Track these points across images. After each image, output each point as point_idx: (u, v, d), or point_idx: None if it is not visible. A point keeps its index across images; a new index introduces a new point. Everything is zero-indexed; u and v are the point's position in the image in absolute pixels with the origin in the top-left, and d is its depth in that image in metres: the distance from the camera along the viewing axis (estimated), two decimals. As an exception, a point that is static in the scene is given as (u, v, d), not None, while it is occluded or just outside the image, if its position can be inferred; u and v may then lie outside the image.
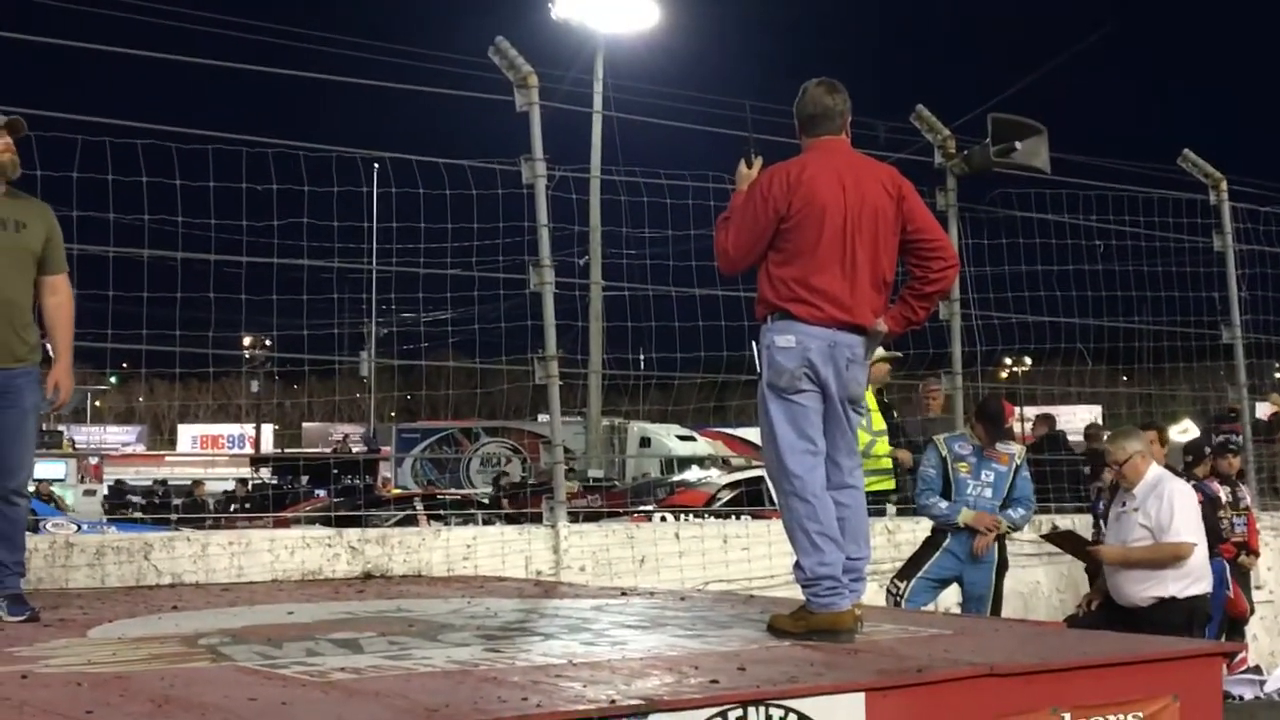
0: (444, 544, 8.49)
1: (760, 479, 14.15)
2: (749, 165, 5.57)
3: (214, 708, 3.72)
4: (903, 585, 8.53)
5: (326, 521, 10.30)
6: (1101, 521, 9.16)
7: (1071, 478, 11.51)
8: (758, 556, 9.11)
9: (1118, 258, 11.78)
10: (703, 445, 30.78)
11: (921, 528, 9.03)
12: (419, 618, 5.97)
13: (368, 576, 8.13)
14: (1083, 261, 11.47)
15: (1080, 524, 10.22)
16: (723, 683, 4.11)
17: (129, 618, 6.06)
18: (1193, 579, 8.01)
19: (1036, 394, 16.93)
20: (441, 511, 15.57)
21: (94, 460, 38.83)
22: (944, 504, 8.59)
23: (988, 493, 8.60)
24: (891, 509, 10.15)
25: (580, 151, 27.99)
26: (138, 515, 24.15)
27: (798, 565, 5.32)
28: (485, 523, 11.85)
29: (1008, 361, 16.89)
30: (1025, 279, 11.22)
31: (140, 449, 56.47)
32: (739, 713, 3.89)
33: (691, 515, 13.54)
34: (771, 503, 9.05)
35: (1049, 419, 14.62)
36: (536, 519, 9.17)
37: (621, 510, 13.52)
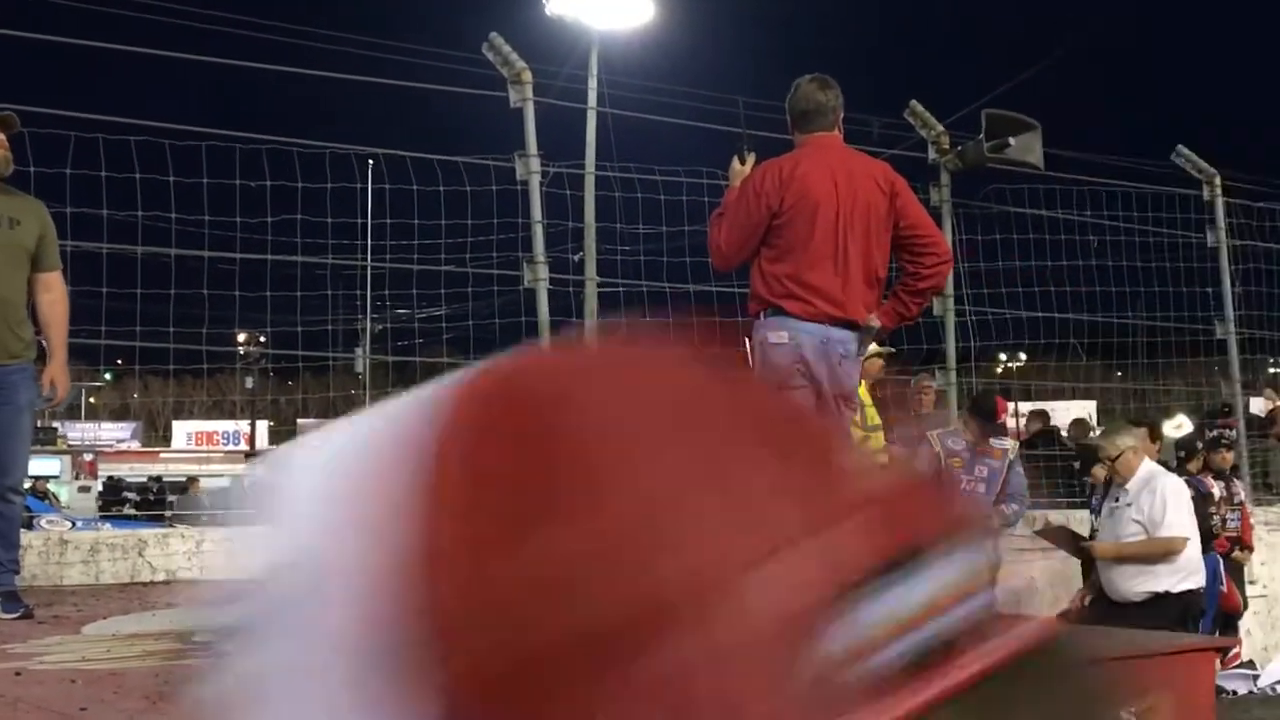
0: (438, 540, 8.47)
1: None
2: (742, 161, 5.58)
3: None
4: (896, 581, 8.53)
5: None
6: (1095, 517, 9.17)
7: (1065, 473, 11.52)
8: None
9: (1111, 253, 11.80)
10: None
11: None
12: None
13: (362, 572, 8.11)
14: (1076, 257, 11.49)
15: (1074, 520, 10.23)
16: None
17: (123, 614, 6.06)
18: (1186, 574, 8.02)
19: (1030, 390, 16.96)
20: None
21: (89, 457, 38.79)
22: (938, 500, 8.58)
23: (981, 488, 8.60)
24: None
25: (575, 147, 27.93)
26: (131, 512, 24.13)
27: (791, 561, 5.32)
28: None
29: (1002, 357, 16.91)
30: (1019, 275, 11.24)
31: (135, 445, 56.37)
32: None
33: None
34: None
35: (1043, 415, 14.65)
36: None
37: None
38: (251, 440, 51.45)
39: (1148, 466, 8.21)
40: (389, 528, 1.93)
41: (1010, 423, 14.83)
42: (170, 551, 7.80)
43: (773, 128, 5.83)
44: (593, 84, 31.75)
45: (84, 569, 7.57)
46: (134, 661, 4.61)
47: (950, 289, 10.40)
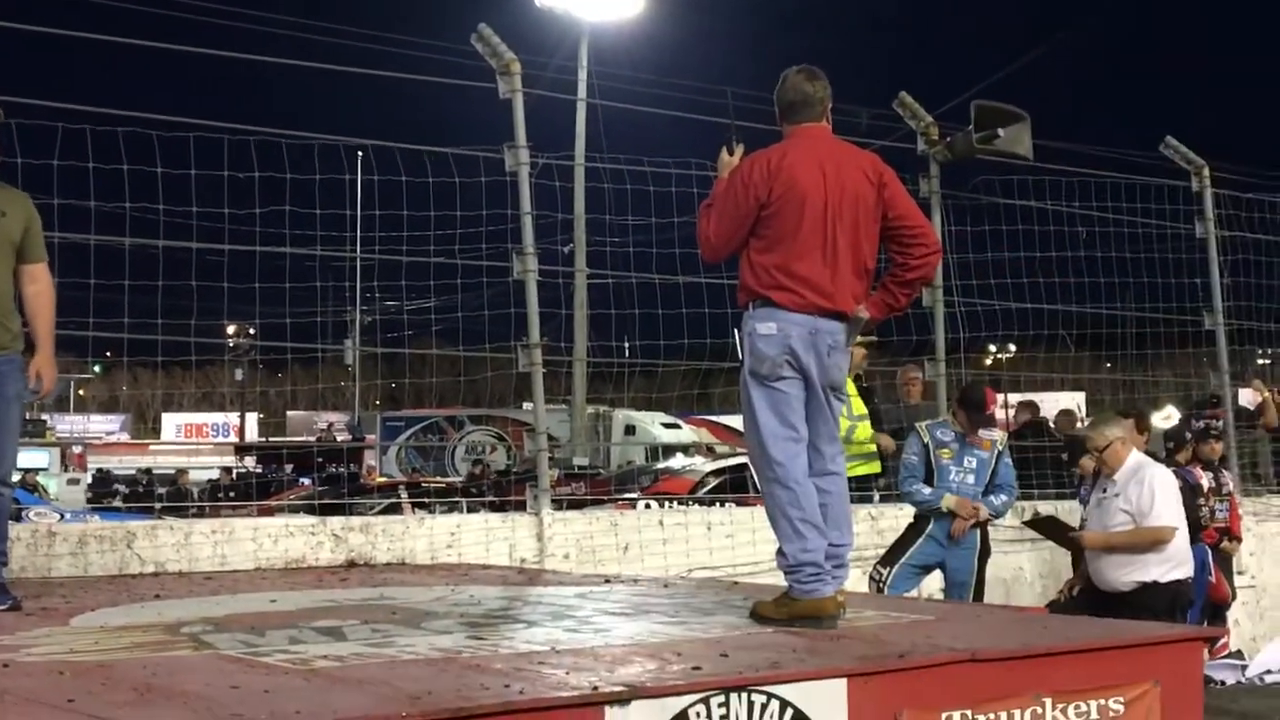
0: (428, 532, 8.49)
1: (744, 466, 14.15)
2: (731, 152, 5.56)
3: (196, 696, 3.72)
4: (885, 572, 8.56)
5: (310, 510, 10.29)
6: (1084, 507, 9.19)
7: (1054, 464, 11.54)
8: (741, 544, 9.12)
9: (1100, 244, 11.81)
10: (688, 433, 30.80)
11: (905, 514, 9.06)
12: (402, 605, 5.98)
13: (351, 564, 8.12)
14: (1065, 248, 11.50)
15: (1062, 510, 10.26)
16: (705, 669, 4.13)
17: (111, 606, 6.05)
18: (1174, 564, 8.05)
19: (1020, 380, 16.97)
20: (426, 500, 15.56)
21: (78, 449, 38.72)
22: (927, 490, 8.61)
23: (970, 479, 8.63)
24: (876, 494, 10.18)
25: (565, 139, 27.94)
26: (119, 504, 24.08)
27: (780, 552, 5.34)
28: (470, 510, 11.85)
29: (991, 348, 16.92)
30: (1008, 266, 11.24)
31: (124, 438, 56.31)
32: (721, 699, 3.91)
33: (676, 503, 13.56)
34: (755, 490, 9.06)
35: (1032, 406, 14.62)
36: (521, 507, 9.17)
37: (606, 498, 13.53)
38: (241, 432, 51.44)
39: (1136, 457, 8.23)
40: None
41: (1000, 414, 14.83)
42: (159, 544, 7.79)
43: (762, 119, 5.83)
44: (583, 75, 31.78)
45: (72, 561, 7.57)
46: (122, 653, 4.61)
47: (939, 280, 10.41)
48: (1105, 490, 8.24)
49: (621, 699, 3.73)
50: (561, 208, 9.83)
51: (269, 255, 8.90)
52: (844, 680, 4.15)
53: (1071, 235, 11.57)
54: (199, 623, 5.36)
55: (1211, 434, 10.97)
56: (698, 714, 3.86)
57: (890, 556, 8.67)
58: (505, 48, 8.88)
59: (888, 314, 5.59)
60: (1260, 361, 17.19)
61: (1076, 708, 4.57)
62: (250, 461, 34.05)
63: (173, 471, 33.11)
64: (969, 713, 4.36)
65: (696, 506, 11.80)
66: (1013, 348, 16.17)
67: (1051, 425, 14.17)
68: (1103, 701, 4.62)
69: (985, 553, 8.69)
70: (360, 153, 9.26)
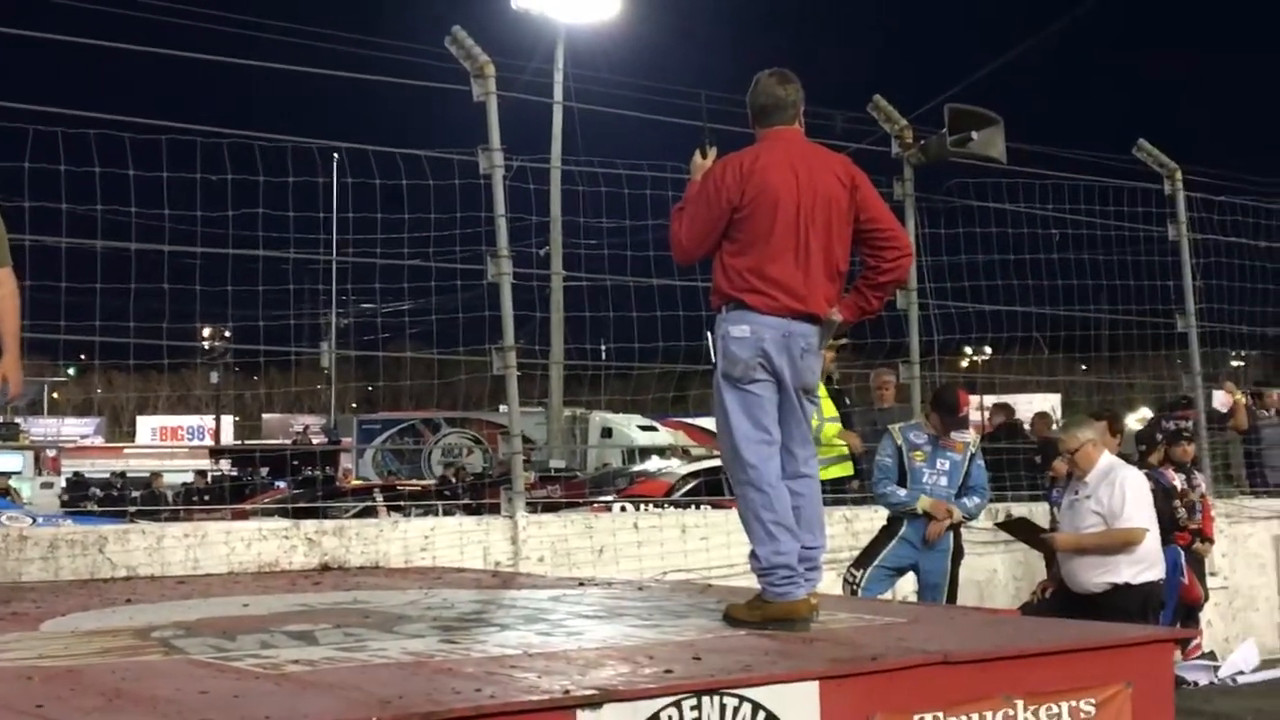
0: (402, 535, 8.47)
1: (720, 469, 14.15)
2: (704, 155, 5.57)
3: (165, 701, 3.70)
4: (859, 574, 8.57)
5: (285, 513, 10.26)
6: (1056, 509, 9.23)
7: (1028, 466, 11.58)
8: (716, 546, 9.13)
9: (1074, 247, 11.87)
10: (664, 435, 30.79)
11: (880, 516, 9.07)
12: (375, 609, 5.96)
13: (325, 568, 8.09)
14: (1039, 251, 11.55)
15: (1033, 512, 10.29)
16: (677, 672, 4.12)
17: (82, 611, 6.01)
18: (1146, 565, 8.08)
19: (995, 383, 17.01)
20: (402, 503, 15.52)
21: (52, 453, 38.52)
22: (902, 492, 8.63)
23: (943, 481, 8.65)
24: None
25: (542, 142, 27.95)
26: (94, 508, 23.98)
27: (753, 554, 5.34)
28: (446, 513, 11.83)
29: (968, 351, 16.97)
30: (982, 268, 11.29)
31: (99, 441, 56.04)
32: (693, 702, 3.90)
33: (651, 505, 13.55)
34: (731, 492, 9.08)
35: (1007, 408, 14.69)
36: (496, 510, 9.16)
37: (581, 501, 13.52)
38: (217, 435, 51.27)
39: (1107, 459, 8.26)
40: None
41: (976, 416, 14.88)
42: (131, 548, 7.75)
43: (737, 122, 5.83)
44: (559, 78, 31.74)
45: (43, 565, 7.52)
46: (93, 658, 4.58)
47: (913, 283, 10.46)
48: (1077, 492, 8.27)
49: (593, 702, 3.72)
50: (536, 210, 9.81)
51: (244, 258, 8.87)
52: (816, 683, 4.15)
53: (1045, 238, 11.63)
54: (170, 627, 5.34)
55: (1183, 436, 11.02)
56: (669, 717, 3.85)
57: (864, 559, 8.68)
58: (479, 50, 8.87)
59: (860, 316, 5.60)
60: (1234, 364, 17.27)
61: (1048, 709, 4.57)
62: (226, 465, 33.92)
63: (147, 475, 32.96)
64: (941, 715, 4.36)
65: (671, 509, 11.80)
66: (989, 350, 16.22)
67: (1027, 428, 14.24)
68: (1074, 703, 4.63)
69: (958, 555, 8.71)
70: (336, 155, 9.24)
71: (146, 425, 61.67)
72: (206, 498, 23.94)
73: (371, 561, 8.27)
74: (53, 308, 7.97)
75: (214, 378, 43.82)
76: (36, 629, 5.44)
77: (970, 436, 8.92)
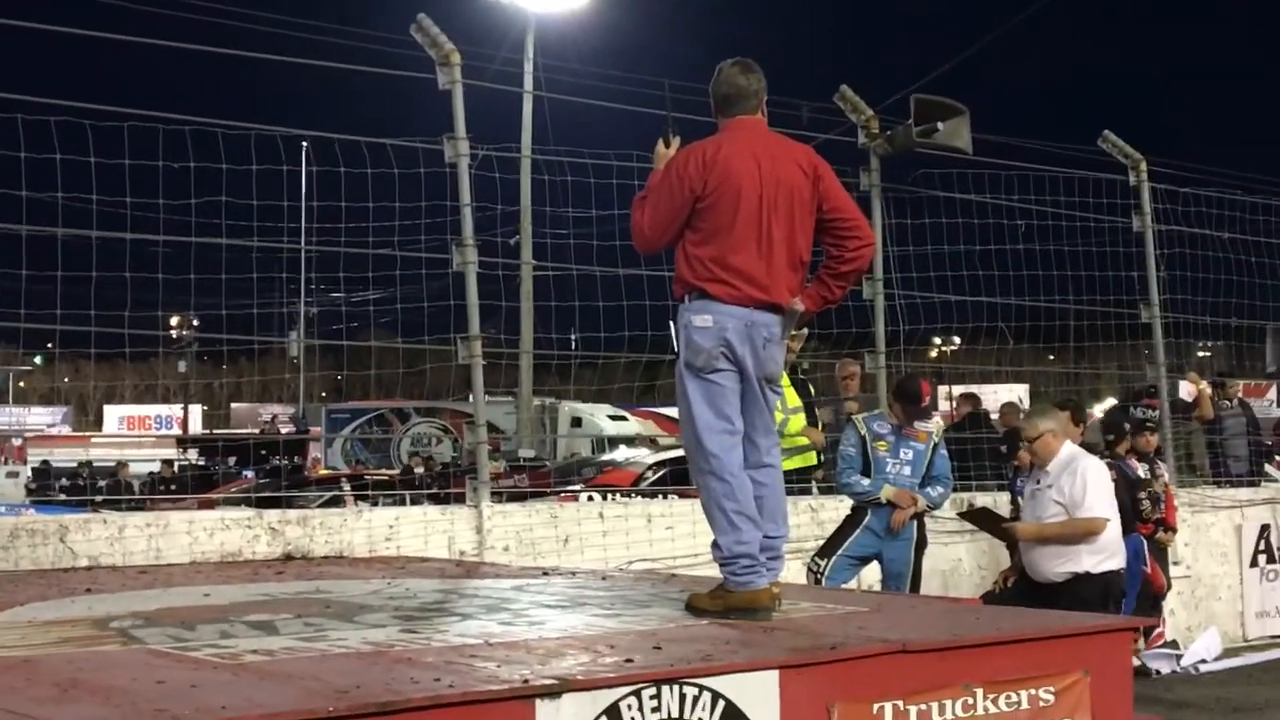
0: (366, 525, 8.44)
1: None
2: (667, 144, 5.56)
3: (121, 691, 3.68)
4: (823, 563, 8.59)
5: (249, 503, 10.22)
6: (1020, 499, 9.26)
7: (993, 456, 11.63)
8: (682, 535, 9.13)
9: (1039, 238, 11.91)
10: (634, 425, 30.81)
11: (846, 506, 9.09)
12: (337, 599, 5.94)
13: (288, 558, 8.06)
14: (1004, 241, 11.58)
15: (998, 502, 10.33)
16: (637, 661, 4.12)
17: (41, 601, 5.98)
18: (1106, 554, 8.11)
19: (963, 373, 17.07)
20: (369, 492, 15.49)
21: (17, 442, 38.28)
22: (866, 481, 8.65)
23: (906, 470, 8.67)
24: (815, 487, 10.22)
25: (511, 131, 27.88)
26: (61, 497, 23.83)
27: (715, 544, 5.35)
28: (413, 503, 11.80)
29: (937, 341, 17.03)
30: (948, 259, 11.32)
31: (65, 430, 55.69)
32: (653, 691, 3.91)
33: (618, 494, 13.55)
34: (697, 482, 9.10)
35: (973, 398, 14.75)
36: (461, 499, 9.15)
37: (549, 490, 13.51)
38: (184, 424, 51.03)
39: (1069, 449, 8.28)
40: None
41: (945, 405, 14.94)
42: (92, 537, 7.70)
43: (704, 111, 5.82)
44: (528, 67, 31.65)
45: (3, 555, 7.47)
46: (50, 648, 4.56)
47: (880, 272, 10.48)
48: (1039, 481, 8.30)
49: (552, 692, 3.72)
50: (502, 199, 9.78)
51: (209, 247, 8.81)
52: (776, 672, 4.16)
53: (1011, 229, 11.66)
54: (129, 617, 5.31)
55: (1147, 426, 11.08)
56: (629, 706, 3.86)
57: (828, 548, 8.70)
58: (445, 38, 8.84)
59: (823, 306, 5.60)
60: (1200, 354, 17.37)
61: (1007, 698, 4.60)
62: (194, 454, 33.77)
63: (113, 464, 32.79)
64: (900, 703, 4.38)
65: (637, 498, 11.80)
66: (958, 340, 16.29)
67: (994, 418, 14.29)
68: (1033, 691, 4.65)
69: (922, 544, 8.74)
70: (305, 144, 9.19)
71: (114, 414, 61.31)
72: (173, 487, 23.81)
73: (335, 551, 8.25)
74: (29, 296, 7.92)
75: (182, 367, 43.58)
76: (-6, 619, 5.40)
77: (933, 426, 8.94)
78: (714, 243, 5.28)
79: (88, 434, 51.98)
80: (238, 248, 8.95)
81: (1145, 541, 10.22)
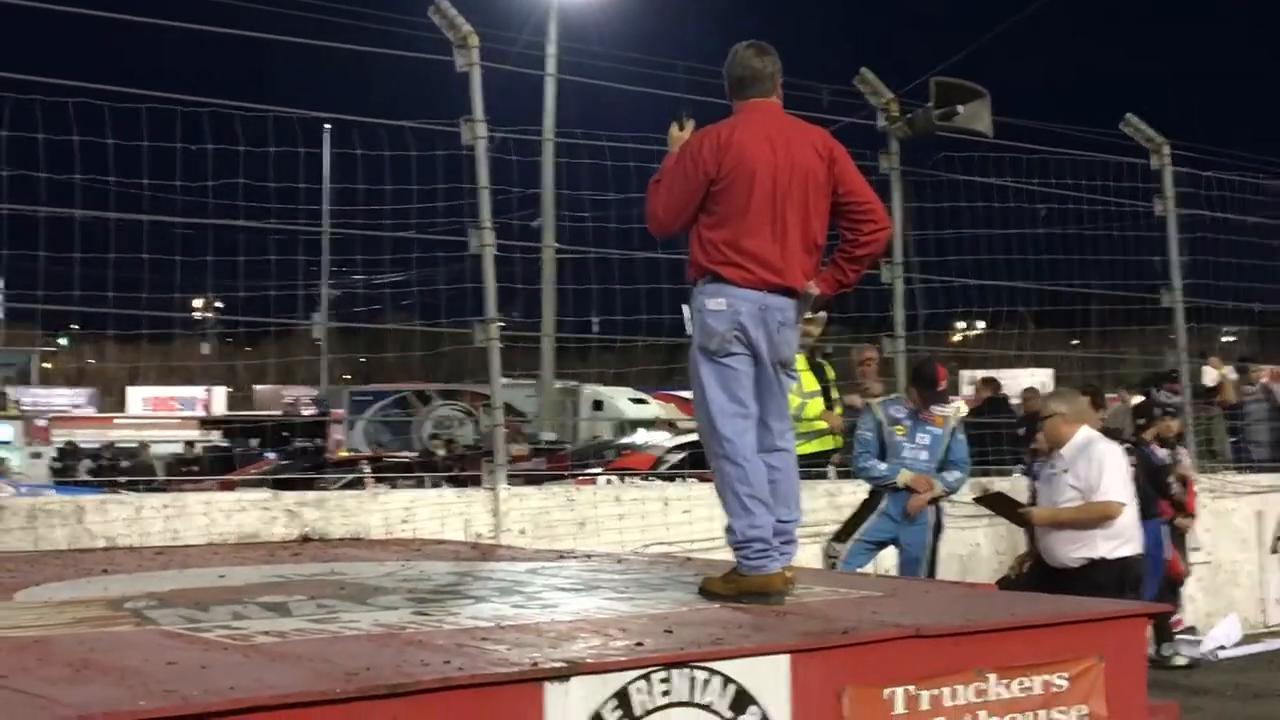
0: (383, 507, 8.46)
1: (707, 442, 14.12)
2: (681, 127, 5.54)
3: (132, 671, 3.69)
4: (839, 548, 8.58)
5: (267, 484, 10.26)
6: (1035, 482, 9.22)
7: (1013, 440, 11.59)
8: (699, 519, 9.12)
9: (1060, 221, 11.85)
10: (655, 408, 30.79)
11: (863, 490, 9.07)
12: (351, 581, 5.95)
13: (305, 540, 8.08)
14: (1025, 225, 11.54)
15: (1015, 486, 10.29)
16: (648, 645, 4.11)
17: (57, 581, 6.00)
18: (1123, 539, 8.05)
19: (985, 358, 17.00)
20: (389, 474, 15.55)
21: (41, 423, 38.42)
22: (883, 465, 8.63)
23: (923, 455, 8.65)
24: (831, 470, 10.19)
25: (529, 115, 27.79)
26: (85, 478, 23.97)
27: (728, 528, 5.34)
28: (433, 485, 11.82)
29: (960, 325, 16.97)
30: (968, 242, 11.28)
31: (91, 411, 55.88)
32: (663, 674, 3.90)
33: (638, 478, 13.56)
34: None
35: (993, 382, 14.73)
36: (478, 482, 9.15)
37: (566, 474, 13.53)
38: (208, 406, 51.20)
39: (1085, 433, 8.21)
40: None
41: (969, 390, 14.88)
42: (110, 518, 7.74)
43: (721, 94, 5.78)
44: (551, 50, 31.56)
45: (22, 535, 7.51)
46: (63, 629, 4.57)
47: (899, 256, 10.44)
48: (1054, 466, 8.23)
49: (561, 675, 3.72)
50: (519, 182, 9.77)
51: (228, 229, 8.83)
52: (787, 656, 4.15)
53: (1032, 213, 11.61)
54: (143, 598, 5.33)
55: (1168, 411, 11.03)
56: (639, 690, 3.85)
57: (844, 532, 8.69)
58: (462, 20, 8.81)
59: (837, 290, 5.58)
60: (1225, 339, 17.28)
61: (1020, 683, 4.58)
62: (217, 436, 33.87)
63: (135, 445, 32.93)
64: (912, 688, 4.36)
65: (655, 482, 11.80)
66: (981, 325, 16.23)
67: (1015, 402, 14.25)
68: (1047, 677, 4.63)
69: (939, 529, 8.72)
70: (327, 126, 9.20)
71: (137, 395, 61.51)
72: (195, 468, 23.92)
73: (352, 533, 8.26)
74: (48, 278, 7.96)
75: (205, 349, 43.69)
76: (10, 598, 5.42)
77: (950, 411, 8.91)
78: (728, 226, 5.26)
79: (110, 415, 52.20)
80: (256, 230, 8.96)
81: (1165, 528, 10.17)
